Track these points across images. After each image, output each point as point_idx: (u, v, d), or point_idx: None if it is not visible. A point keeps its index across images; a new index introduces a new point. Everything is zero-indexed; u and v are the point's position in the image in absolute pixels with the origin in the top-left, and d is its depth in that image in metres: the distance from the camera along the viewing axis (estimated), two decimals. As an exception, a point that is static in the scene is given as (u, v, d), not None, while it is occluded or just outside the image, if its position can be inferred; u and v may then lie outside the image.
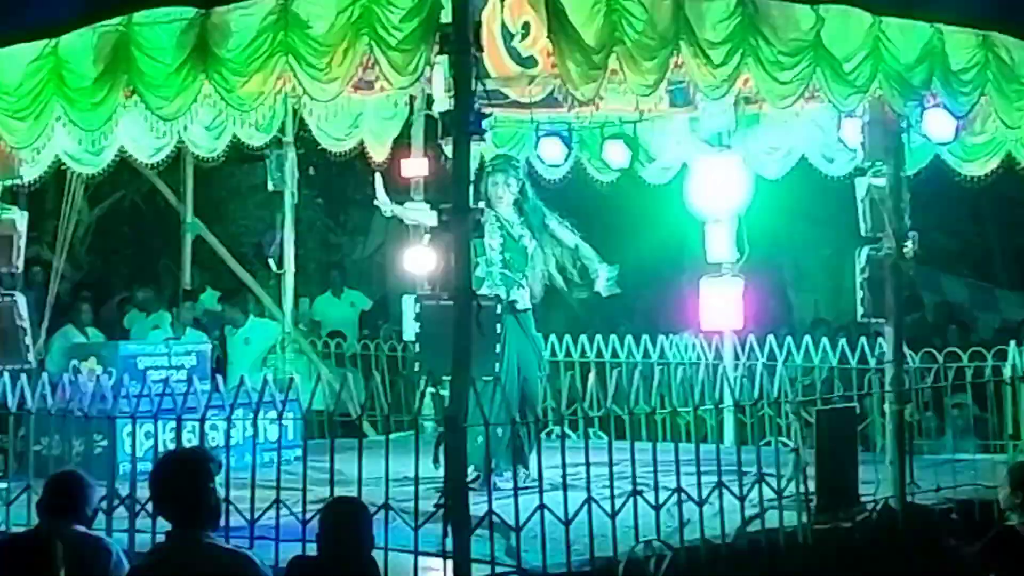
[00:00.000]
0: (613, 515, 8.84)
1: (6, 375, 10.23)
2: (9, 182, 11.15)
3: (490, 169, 11.04)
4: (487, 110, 8.91)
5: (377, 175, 11.43)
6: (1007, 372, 11.66)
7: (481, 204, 10.44)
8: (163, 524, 6.22)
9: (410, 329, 12.60)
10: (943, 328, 16.54)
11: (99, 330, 15.04)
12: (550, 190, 12.68)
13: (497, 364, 9.63)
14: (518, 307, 10.81)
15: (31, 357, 11.13)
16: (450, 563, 8.31)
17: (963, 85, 10.74)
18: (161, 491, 6.19)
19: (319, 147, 13.16)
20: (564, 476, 9.08)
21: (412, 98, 12.37)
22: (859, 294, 10.85)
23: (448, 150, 8.98)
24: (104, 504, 8.49)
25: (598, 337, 13.47)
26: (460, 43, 8.59)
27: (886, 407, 10.72)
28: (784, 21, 9.84)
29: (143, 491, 8.21)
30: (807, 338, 12.86)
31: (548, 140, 12.76)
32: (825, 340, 12.80)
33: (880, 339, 11.34)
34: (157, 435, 9.54)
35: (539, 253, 10.94)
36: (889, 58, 10.19)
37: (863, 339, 12.31)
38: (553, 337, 13.12)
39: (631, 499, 8.94)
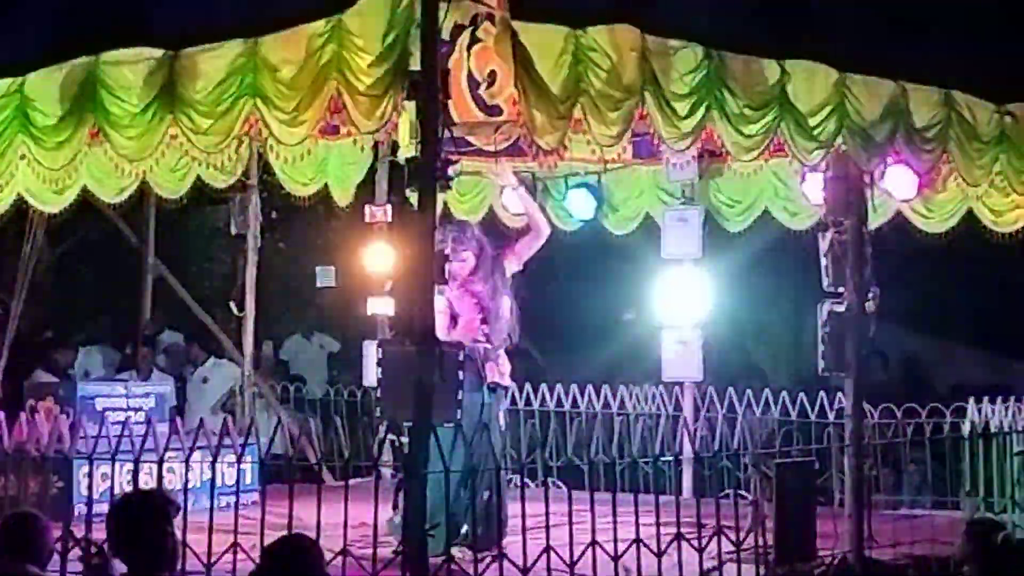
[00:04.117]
0: (572, 565, 8.82)
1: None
2: (-30, 220, 11.10)
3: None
4: (453, 157, 8.94)
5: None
6: (965, 429, 11.71)
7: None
8: (119, 566, 6.18)
9: (371, 375, 12.58)
10: (901, 383, 16.60)
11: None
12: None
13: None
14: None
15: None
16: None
17: (926, 142, 10.82)
18: (118, 533, 6.14)
19: (283, 191, 13.14)
20: (523, 525, 9.06)
21: (377, 144, 12.38)
22: (820, 348, 10.87)
23: (413, 197, 8.98)
24: (59, 545, 8.42)
25: (558, 386, 13.47)
26: (428, 89, 8.61)
27: (845, 461, 10.73)
28: (750, 75, 9.90)
29: (99, 533, 8.18)
30: (767, 391, 12.91)
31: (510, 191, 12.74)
32: (784, 394, 12.85)
33: (839, 393, 11.38)
34: (114, 476, 9.49)
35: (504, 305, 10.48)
36: (853, 113, 10.26)
37: (822, 393, 12.36)
38: (514, 386, 13.09)
39: (589, 549, 8.92)
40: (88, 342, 16.08)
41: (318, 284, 15.09)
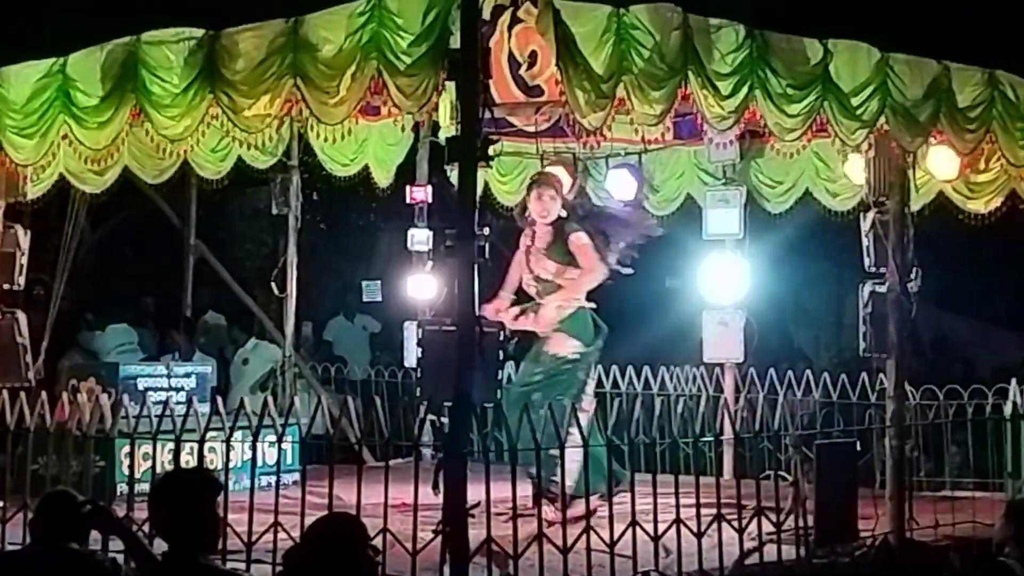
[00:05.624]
0: (612, 544, 8.81)
1: (4, 393, 10.21)
2: (12, 199, 11.14)
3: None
4: (493, 137, 8.92)
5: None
6: (1007, 410, 11.64)
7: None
8: (160, 544, 6.20)
9: (411, 355, 12.59)
10: (942, 365, 16.51)
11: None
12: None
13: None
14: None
15: (31, 375, 11.12)
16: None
17: (968, 122, 10.75)
18: (160, 512, 6.16)
19: (323, 171, 13.15)
20: (564, 505, 9.06)
21: (418, 124, 12.38)
22: (861, 329, 10.83)
23: (453, 176, 8.97)
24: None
25: (599, 367, 13.44)
26: (468, 69, 8.59)
27: (886, 443, 10.69)
28: (792, 54, 9.85)
29: (140, 512, 8.22)
30: (808, 372, 12.87)
31: (555, 169, 12.70)
32: (825, 375, 12.79)
33: (881, 374, 11.32)
34: (155, 456, 9.52)
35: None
36: (896, 93, 10.20)
37: (863, 374, 12.30)
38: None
39: (630, 529, 8.91)
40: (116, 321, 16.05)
41: (364, 298, 15.22)
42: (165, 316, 16.60)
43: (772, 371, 12.88)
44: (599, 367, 13.42)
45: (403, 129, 12.39)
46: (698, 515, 9.19)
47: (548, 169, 12.14)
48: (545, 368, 10.57)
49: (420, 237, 13.72)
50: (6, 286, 11.14)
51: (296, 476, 10.01)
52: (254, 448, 9.12)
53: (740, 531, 9.36)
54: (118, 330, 15.55)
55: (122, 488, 9.85)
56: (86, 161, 10.66)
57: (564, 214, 10.78)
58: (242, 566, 8.40)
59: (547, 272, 10.71)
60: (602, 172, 13.45)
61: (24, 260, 11.29)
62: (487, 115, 8.73)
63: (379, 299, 15.02)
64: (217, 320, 16.56)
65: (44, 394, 10.04)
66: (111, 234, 18.54)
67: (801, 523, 9.63)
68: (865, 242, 11.00)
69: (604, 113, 9.17)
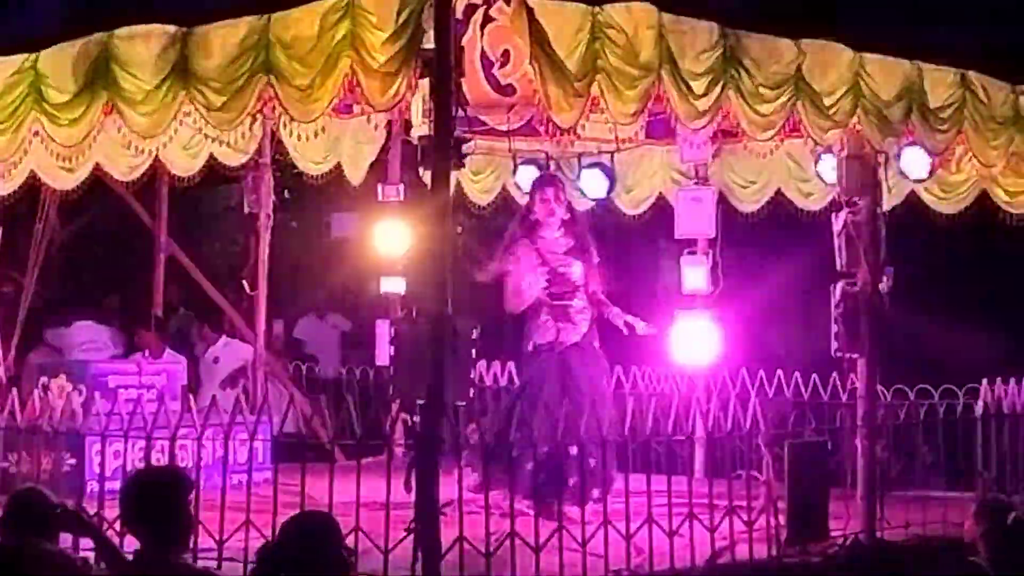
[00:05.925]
0: (584, 543, 8.81)
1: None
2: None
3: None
4: (466, 136, 8.92)
5: None
6: (978, 411, 11.68)
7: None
8: (131, 542, 6.18)
9: (383, 354, 12.56)
10: (913, 365, 16.54)
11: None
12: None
13: None
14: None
15: (1, 372, 11.06)
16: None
17: (940, 123, 10.79)
18: (131, 510, 6.13)
19: (295, 170, 13.11)
20: (536, 504, 9.06)
21: (390, 122, 12.36)
22: (833, 329, 10.85)
23: (426, 176, 8.95)
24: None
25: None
26: (441, 67, 8.58)
27: (858, 442, 10.71)
28: (766, 54, 9.87)
29: (111, 510, 8.18)
30: (779, 372, 12.88)
31: (527, 168, 12.71)
32: (797, 375, 12.81)
33: (852, 374, 11.34)
34: (126, 454, 9.48)
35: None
36: (869, 93, 10.23)
37: (835, 374, 12.32)
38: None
39: (602, 528, 8.91)
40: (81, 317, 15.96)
41: (333, 233, 15.06)
42: (135, 314, 16.53)
43: (744, 371, 12.90)
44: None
45: (376, 127, 12.40)
46: (670, 514, 9.20)
47: (521, 167, 12.21)
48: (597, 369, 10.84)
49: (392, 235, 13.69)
50: (-25, 284, 11.10)
51: (268, 474, 9.99)
52: (225, 446, 9.09)
53: (712, 530, 9.37)
54: (84, 327, 15.46)
55: (93, 486, 9.79)
56: (57, 158, 10.61)
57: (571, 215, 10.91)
58: (214, 564, 8.37)
59: (576, 274, 10.84)
60: (574, 171, 13.46)
61: (-7, 257, 11.25)
62: (460, 114, 8.72)
63: (349, 233, 14.83)
64: (187, 318, 16.49)
65: (15, 391, 9.99)
66: (82, 231, 18.44)
67: (772, 522, 9.64)
68: (837, 242, 11.00)
69: (578, 111, 9.18)
